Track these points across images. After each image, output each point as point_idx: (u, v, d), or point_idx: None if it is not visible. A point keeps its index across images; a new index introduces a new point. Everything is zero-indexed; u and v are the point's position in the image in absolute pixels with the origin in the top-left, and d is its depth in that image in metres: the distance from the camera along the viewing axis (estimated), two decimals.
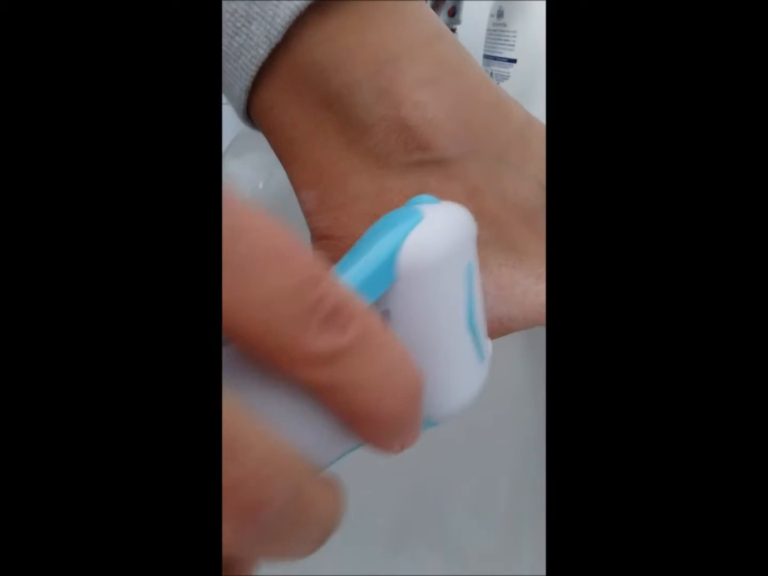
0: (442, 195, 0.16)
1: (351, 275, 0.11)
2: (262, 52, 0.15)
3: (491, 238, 0.16)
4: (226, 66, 0.15)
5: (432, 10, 0.17)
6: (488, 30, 0.40)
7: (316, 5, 0.14)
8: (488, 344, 0.16)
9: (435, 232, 0.12)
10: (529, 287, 0.17)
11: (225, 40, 0.15)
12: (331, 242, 0.17)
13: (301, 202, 0.17)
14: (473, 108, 0.16)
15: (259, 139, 0.37)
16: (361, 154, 0.16)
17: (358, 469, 0.33)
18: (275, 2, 0.14)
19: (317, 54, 0.15)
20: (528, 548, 0.32)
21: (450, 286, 0.13)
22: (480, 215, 0.16)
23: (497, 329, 0.17)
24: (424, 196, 0.14)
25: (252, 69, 0.15)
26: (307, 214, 0.17)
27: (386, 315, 0.13)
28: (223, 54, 0.15)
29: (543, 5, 0.37)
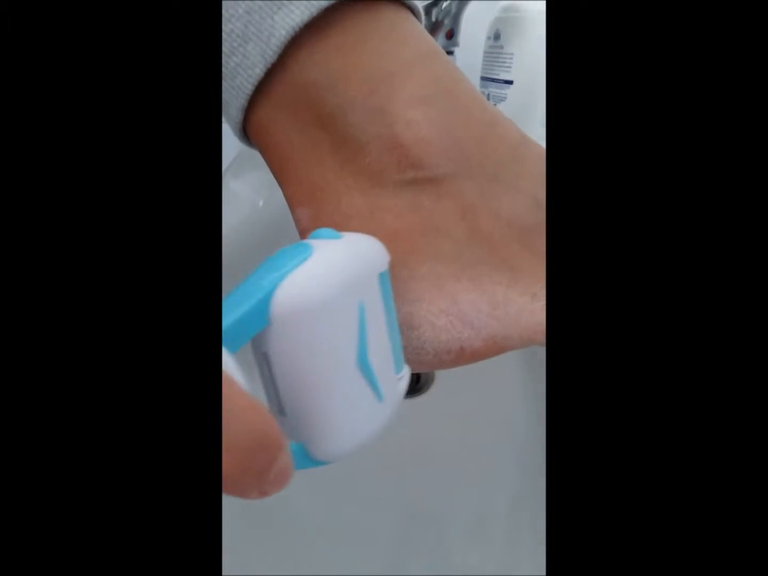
0: (435, 214, 0.16)
1: (225, 318, 0.11)
2: (258, 71, 0.15)
3: (485, 256, 0.16)
4: (223, 85, 0.16)
5: (427, 32, 0.17)
6: (485, 52, 0.41)
7: (312, 25, 0.15)
8: (396, 383, 0.15)
9: (316, 274, 0.12)
10: (525, 306, 0.16)
11: (222, 60, 0.15)
12: None
13: (296, 220, 0.17)
14: (467, 127, 0.16)
15: (259, 158, 0.37)
16: (354, 173, 0.16)
17: (357, 491, 0.33)
18: (271, 23, 0.14)
19: (312, 74, 0.15)
20: (526, 567, 0.32)
21: (332, 328, 0.12)
22: (473, 233, 0.16)
23: (491, 348, 0.17)
24: (325, 230, 0.14)
25: (248, 88, 0.15)
26: (303, 232, 0.17)
27: (264, 357, 0.12)
28: (224, 70, 0.15)
29: (539, 27, 0.38)
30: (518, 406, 0.39)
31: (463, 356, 0.17)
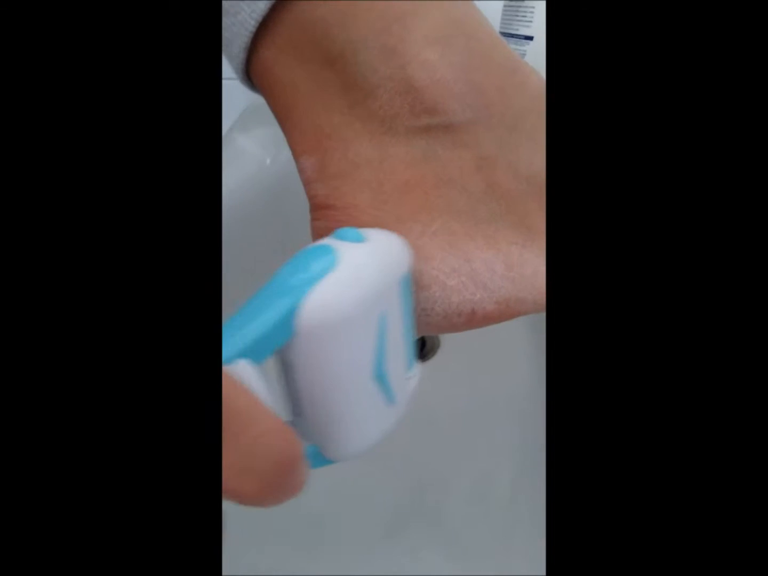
0: (449, 165, 0.15)
1: (250, 330, 0.11)
2: (263, 6, 0.14)
3: (501, 212, 0.15)
4: (225, 21, 0.14)
5: None
6: (504, 5, 0.38)
7: None
8: (407, 383, 0.15)
9: (342, 288, 0.12)
10: (540, 268, 0.16)
11: None
12: (330, 213, 0.16)
13: (301, 170, 0.16)
14: (486, 71, 0.15)
15: (268, 113, 0.36)
16: (364, 117, 0.15)
17: (357, 461, 0.33)
18: None
19: (321, 10, 0.14)
20: (524, 534, 0.33)
21: (353, 341, 0.12)
22: (490, 188, 0.15)
23: (504, 312, 0.16)
24: (348, 231, 0.13)
25: (251, 24, 0.14)
26: (307, 183, 0.16)
27: (287, 364, 0.12)
28: (222, 8, 0.14)
29: None
30: (524, 373, 0.39)
31: (474, 319, 0.16)
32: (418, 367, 0.16)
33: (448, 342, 0.42)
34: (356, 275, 0.12)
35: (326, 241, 0.13)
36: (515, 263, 0.16)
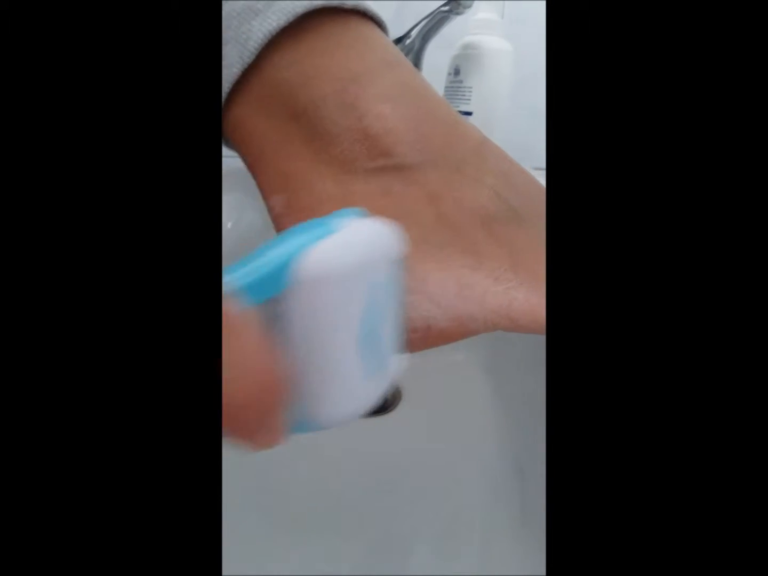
0: (404, 199, 0.17)
1: (247, 272, 0.12)
2: (236, 71, 0.16)
3: (451, 240, 0.17)
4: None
5: (392, 43, 0.19)
6: (446, 86, 0.43)
7: (286, 31, 0.16)
8: (392, 362, 0.16)
9: (340, 247, 0.13)
10: (489, 288, 0.17)
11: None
12: None
13: (270, 208, 0.18)
14: (432, 124, 0.17)
15: (229, 181, 0.38)
16: (326, 162, 0.17)
17: (324, 509, 0.33)
18: (249, 27, 0.16)
19: (286, 73, 0.16)
20: None
21: (343, 303, 0.13)
22: (440, 219, 0.17)
23: (457, 329, 0.17)
24: (353, 209, 0.14)
25: (226, 87, 0.16)
26: (276, 218, 0.18)
27: (278, 316, 0.13)
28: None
29: (496, 62, 0.41)
30: (485, 424, 0.40)
31: (430, 335, 0.17)
32: (404, 358, 0.17)
33: (410, 394, 0.43)
34: (356, 239, 0.13)
35: (333, 214, 0.14)
36: (466, 284, 0.17)
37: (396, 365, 0.16)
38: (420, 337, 0.17)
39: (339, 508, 0.33)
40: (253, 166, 0.18)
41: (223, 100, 0.17)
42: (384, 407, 0.42)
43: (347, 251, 0.13)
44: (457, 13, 0.39)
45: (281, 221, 0.18)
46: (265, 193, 0.18)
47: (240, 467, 0.34)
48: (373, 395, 0.15)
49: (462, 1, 0.39)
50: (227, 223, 0.34)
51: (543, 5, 0.51)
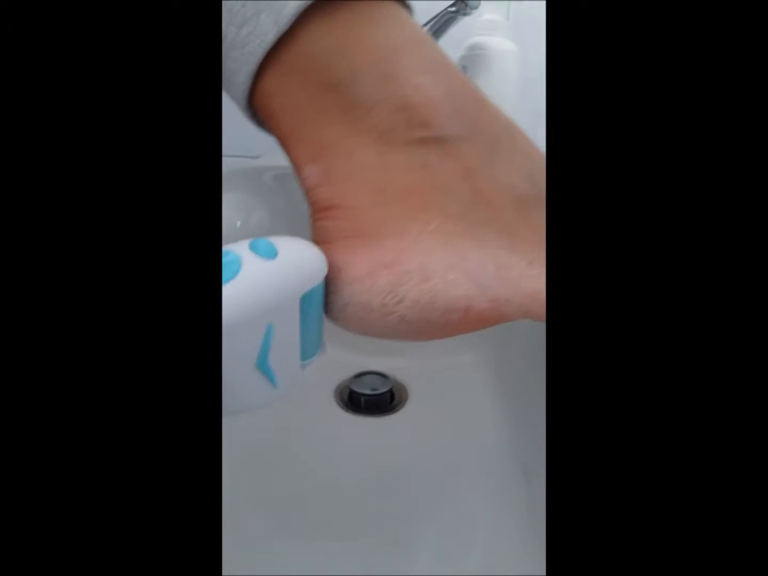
0: (441, 173, 0.17)
1: None
2: (271, 37, 0.16)
3: (487, 219, 0.17)
4: (233, 53, 0.16)
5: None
6: None
7: (322, 3, 0.16)
8: (298, 369, 0.17)
9: (230, 301, 0.13)
10: (524, 271, 0.17)
11: (232, 31, 0.16)
12: (334, 212, 0.17)
13: (303, 179, 0.18)
14: (466, 100, 0.17)
15: (238, 180, 0.38)
16: (365, 131, 0.17)
17: (328, 508, 0.33)
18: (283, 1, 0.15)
19: (323, 43, 0.16)
20: None
21: (236, 341, 0.14)
22: (476, 195, 0.17)
23: (493, 312, 0.17)
24: (263, 243, 0.15)
25: (259, 53, 0.16)
26: (310, 189, 0.18)
27: None
28: (230, 43, 0.16)
29: (501, 62, 0.41)
30: (492, 425, 0.39)
31: (468, 318, 0.17)
32: (319, 354, 0.17)
33: (416, 394, 0.43)
34: (248, 291, 0.14)
35: (239, 249, 0.15)
36: (503, 265, 0.17)
37: (308, 366, 0.17)
38: (458, 320, 0.17)
39: (342, 508, 0.33)
40: (286, 136, 0.18)
41: (256, 67, 0.16)
42: (391, 407, 0.42)
43: (236, 304, 0.13)
44: (464, 14, 0.40)
45: (316, 192, 0.18)
46: (300, 163, 0.18)
47: (241, 467, 0.34)
48: (279, 395, 0.16)
49: (469, 2, 0.39)
50: (236, 222, 0.34)
51: None
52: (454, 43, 0.43)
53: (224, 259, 0.14)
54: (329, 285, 0.17)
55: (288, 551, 0.30)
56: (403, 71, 0.17)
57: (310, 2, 0.16)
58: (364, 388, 0.42)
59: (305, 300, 0.16)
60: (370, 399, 0.41)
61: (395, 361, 0.45)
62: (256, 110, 0.18)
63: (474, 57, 0.41)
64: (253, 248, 0.15)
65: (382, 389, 0.42)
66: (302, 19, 0.16)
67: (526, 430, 0.36)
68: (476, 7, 0.40)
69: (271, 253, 0.15)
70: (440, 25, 0.40)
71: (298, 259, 0.16)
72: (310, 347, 0.17)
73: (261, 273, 0.14)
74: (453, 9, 0.39)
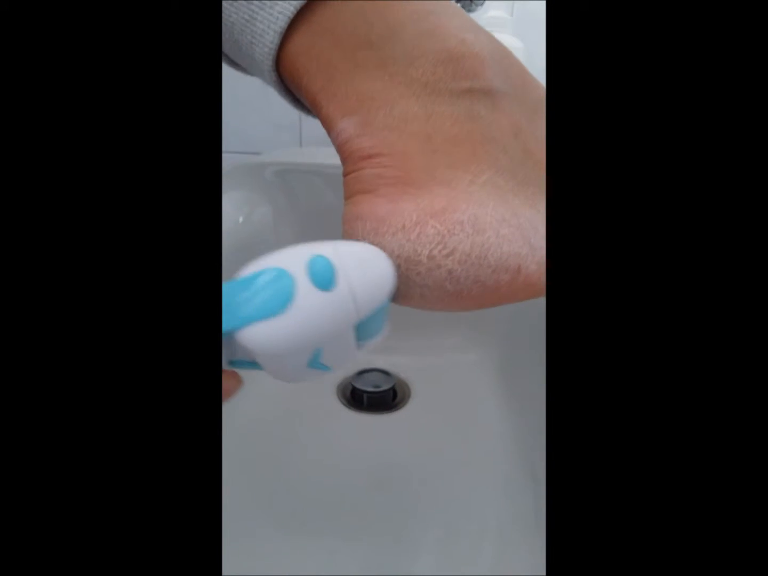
0: (491, 125, 0.16)
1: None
2: None
3: (537, 179, 0.17)
4: (260, 15, 0.15)
5: None
6: None
7: None
8: (350, 355, 0.16)
9: (278, 337, 0.13)
10: None
11: None
12: (378, 159, 0.16)
13: (338, 132, 0.16)
14: (509, 60, 0.17)
15: (240, 178, 0.38)
16: (406, 83, 0.16)
17: (331, 517, 0.33)
18: None
19: (359, 2, 0.15)
20: None
21: (283, 361, 0.14)
22: (526, 153, 0.17)
23: (541, 277, 0.17)
24: (323, 264, 0.14)
25: (290, 11, 0.15)
26: (345, 141, 0.16)
27: (241, 358, 0.15)
28: (259, 5, 0.15)
29: (520, 47, 0.41)
30: (497, 425, 0.39)
31: (517, 281, 0.16)
32: (381, 335, 0.17)
33: (419, 391, 0.43)
34: (297, 326, 0.13)
35: (295, 268, 0.14)
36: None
37: (361, 349, 0.17)
38: (508, 281, 0.16)
39: (345, 506, 0.33)
40: (318, 93, 0.16)
41: (286, 24, 0.15)
42: (394, 405, 0.42)
43: (285, 340, 0.13)
44: (469, 11, 0.39)
45: (355, 142, 0.16)
46: (334, 118, 0.16)
47: (243, 464, 0.34)
48: (335, 371, 0.17)
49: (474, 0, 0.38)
50: (239, 218, 0.34)
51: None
52: None
53: (276, 282, 0.13)
54: (369, 236, 0.16)
55: (290, 549, 0.30)
56: (445, 28, 0.16)
57: None
58: (366, 386, 0.42)
59: (364, 323, 0.15)
60: (372, 396, 0.41)
61: (398, 359, 0.45)
62: (283, 73, 0.17)
63: None
64: (312, 271, 0.14)
65: (385, 387, 0.42)
66: None
67: (529, 428, 0.36)
68: (481, 5, 0.39)
69: (328, 283, 0.14)
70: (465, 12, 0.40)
71: (360, 286, 0.14)
72: (370, 333, 0.16)
73: (314, 307, 0.13)
74: (458, 5, 0.39)
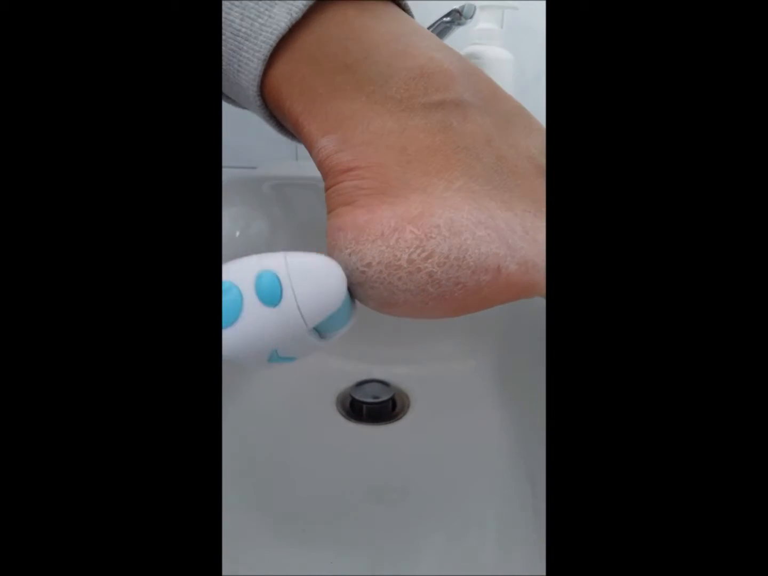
0: (464, 135, 0.17)
1: None
2: (284, 25, 0.16)
3: (512, 183, 0.17)
4: (246, 44, 0.16)
5: None
6: None
7: (328, 2, 0.16)
8: (315, 342, 0.17)
9: (231, 344, 0.14)
10: None
11: (247, 24, 0.16)
12: (356, 172, 0.17)
13: (320, 149, 0.17)
14: (479, 77, 0.18)
15: (235, 194, 0.38)
16: (381, 102, 0.17)
17: (330, 524, 0.33)
18: None
19: (334, 30, 0.16)
20: None
21: (242, 364, 0.15)
22: (499, 160, 0.17)
23: (523, 276, 0.17)
24: (270, 280, 0.14)
25: (272, 40, 0.16)
26: (326, 157, 0.17)
27: None
28: (244, 36, 0.16)
29: (496, 71, 0.41)
30: (493, 433, 0.39)
31: (498, 281, 0.17)
32: (348, 326, 0.17)
33: (418, 402, 0.43)
34: (245, 338, 0.14)
35: (243, 284, 0.14)
36: (530, 228, 0.17)
37: (322, 340, 0.17)
38: (489, 282, 0.17)
39: (344, 516, 0.33)
40: (300, 115, 0.17)
41: (268, 52, 0.16)
42: (393, 415, 0.42)
43: (233, 349, 0.14)
44: (459, 24, 0.40)
45: (334, 158, 0.17)
46: (315, 136, 0.17)
47: (243, 475, 0.34)
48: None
49: (464, 12, 0.39)
50: (235, 232, 0.34)
51: (541, 14, 0.51)
52: None
53: (225, 297, 0.14)
54: (350, 246, 0.17)
55: (289, 561, 0.30)
56: (416, 47, 0.17)
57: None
58: (365, 396, 0.42)
59: (318, 326, 0.16)
60: (371, 407, 0.41)
61: (397, 369, 0.45)
62: (267, 98, 0.18)
63: None
64: (258, 288, 0.14)
65: (384, 397, 0.42)
66: (313, 12, 0.16)
67: (529, 436, 0.36)
68: (471, 17, 0.40)
69: (275, 299, 0.14)
70: (435, 35, 0.41)
71: (306, 299, 0.15)
72: (332, 328, 0.17)
73: (260, 321, 0.14)
74: (448, 19, 0.40)
